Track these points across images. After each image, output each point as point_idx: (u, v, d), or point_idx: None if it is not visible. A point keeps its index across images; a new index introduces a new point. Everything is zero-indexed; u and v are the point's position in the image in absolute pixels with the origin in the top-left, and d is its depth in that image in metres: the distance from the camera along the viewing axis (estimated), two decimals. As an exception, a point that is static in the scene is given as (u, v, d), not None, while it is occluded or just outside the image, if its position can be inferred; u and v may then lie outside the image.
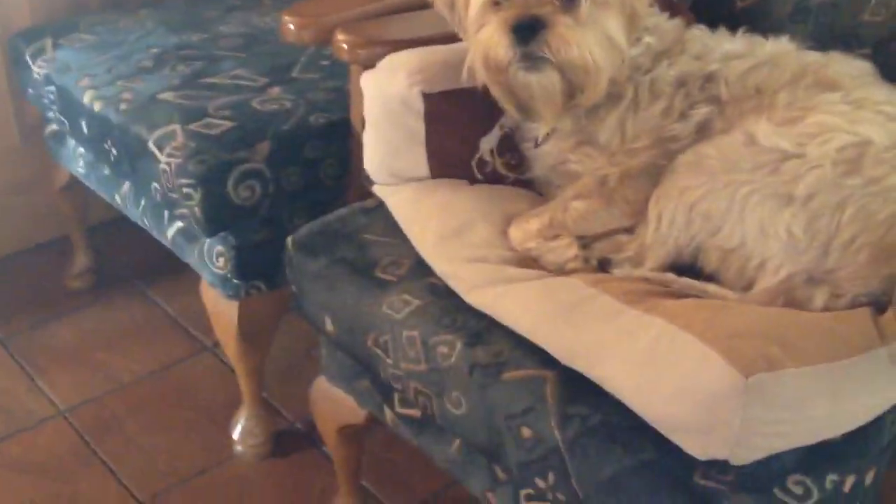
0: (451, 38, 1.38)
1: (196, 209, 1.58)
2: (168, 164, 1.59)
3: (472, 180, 1.43)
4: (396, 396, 1.36)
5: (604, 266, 1.29)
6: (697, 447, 1.04)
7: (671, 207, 1.22)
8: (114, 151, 1.73)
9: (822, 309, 1.13)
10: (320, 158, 1.66)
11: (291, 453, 1.84)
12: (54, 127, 1.98)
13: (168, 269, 2.15)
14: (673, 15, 1.37)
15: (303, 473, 1.80)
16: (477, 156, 1.43)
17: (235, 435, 1.83)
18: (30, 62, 1.91)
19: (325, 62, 1.81)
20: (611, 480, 1.07)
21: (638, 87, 1.30)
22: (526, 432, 1.13)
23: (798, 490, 1.04)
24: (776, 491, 1.04)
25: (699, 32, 1.36)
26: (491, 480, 1.27)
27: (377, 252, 1.36)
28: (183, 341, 2.11)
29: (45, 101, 1.90)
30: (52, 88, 1.86)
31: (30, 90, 1.95)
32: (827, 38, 1.41)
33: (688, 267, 1.24)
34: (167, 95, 1.70)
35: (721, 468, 1.05)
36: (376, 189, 1.46)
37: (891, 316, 1.07)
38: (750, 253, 1.17)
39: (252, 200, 1.60)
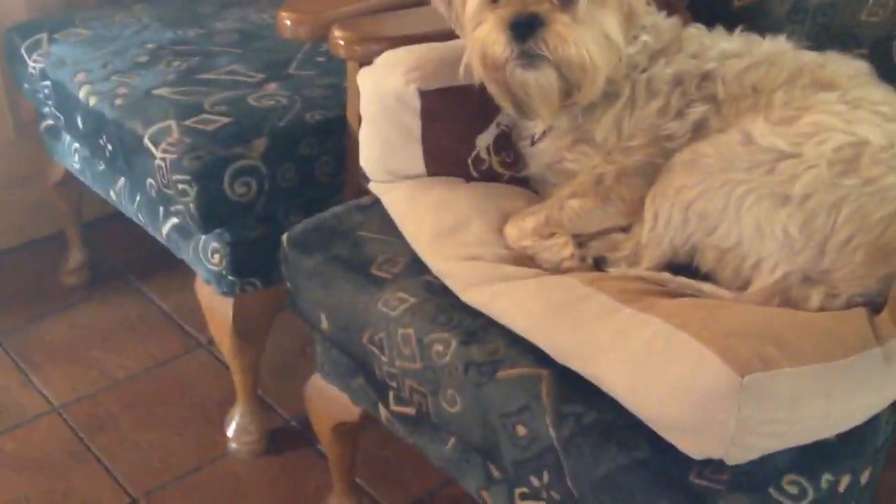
0: (449, 35, 1.38)
1: (191, 205, 1.58)
2: (163, 159, 1.58)
3: (469, 178, 1.43)
4: (391, 394, 1.36)
5: (600, 265, 1.28)
6: (692, 446, 1.04)
7: (667, 206, 1.22)
8: (109, 147, 1.73)
9: (817, 309, 1.13)
10: (316, 155, 1.66)
11: (286, 451, 1.84)
12: (49, 122, 1.98)
13: (163, 265, 2.15)
14: (670, 14, 1.37)
15: (297, 471, 1.80)
16: (473, 153, 1.43)
17: (230, 432, 1.83)
18: (25, 57, 1.91)
19: (321, 59, 1.81)
20: (605, 479, 1.07)
21: (635, 86, 1.30)
22: (521, 431, 1.13)
23: (793, 490, 1.04)
24: (771, 490, 1.04)
25: (696, 31, 1.36)
26: (486, 479, 1.27)
27: (373, 249, 1.36)
28: (177, 338, 2.10)
29: (41, 96, 1.90)
30: (48, 83, 1.85)
31: (25, 85, 1.95)
32: (824, 37, 1.41)
33: (684, 266, 1.24)
34: (163, 91, 1.70)
35: (716, 467, 1.05)
36: (372, 186, 1.46)
37: (886, 316, 1.07)
38: (746, 252, 1.17)
39: (248, 197, 1.60)
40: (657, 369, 1.06)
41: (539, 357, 1.16)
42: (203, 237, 1.66)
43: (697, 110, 1.27)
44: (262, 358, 1.80)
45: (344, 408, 1.49)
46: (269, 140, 1.60)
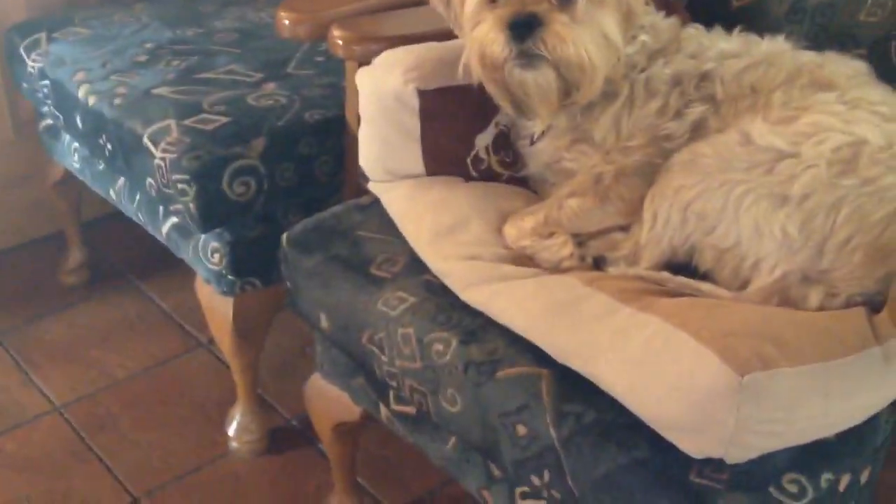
0: (447, 34, 1.38)
1: (191, 205, 1.58)
2: (163, 159, 1.58)
3: (468, 178, 1.43)
4: (391, 394, 1.36)
5: (599, 264, 1.29)
6: (692, 446, 1.04)
7: (666, 206, 1.22)
8: (108, 146, 1.73)
9: (816, 308, 1.13)
10: (315, 155, 1.66)
11: (286, 450, 1.84)
12: (49, 121, 1.98)
13: (162, 264, 2.15)
14: (669, 14, 1.37)
15: (298, 470, 1.80)
16: (472, 153, 1.43)
17: (230, 431, 1.83)
18: (24, 56, 1.91)
19: (320, 58, 1.81)
20: (605, 478, 1.07)
21: (633, 86, 1.30)
22: (521, 430, 1.13)
23: (793, 489, 1.05)
24: (771, 489, 1.04)
25: (695, 31, 1.36)
26: (486, 478, 1.27)
27: (372, 249, 1.36)
28: (177, 337, 2.10)
29: (40, 95, 1.89)
30: (47, 83, 1.85)
31: (24, 84, 1.95)
32: (823, 37, 1.41)
33: (683, 266, 1.24)
34: (162, 90, 1.70)
35: (716, 466, 1.05)
36: (371, 186, 1.46)
37: (885, 315, 1.07)
38: (745, 252, 1.17)
39: (247, 197, 1.60)
40: (656, 369, 1.06)
41: (539, 356, 1.16)
42: (203, 237, 1.66)
43: (696, 110, 1.27)
44: (262, 357, 1.80)
45: (344, 407, 1.49)
46: (268, 140, 1.60)
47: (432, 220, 1.34)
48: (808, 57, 1.30)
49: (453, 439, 1.30)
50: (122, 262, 2.31)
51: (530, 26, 1.20)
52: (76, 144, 1.91)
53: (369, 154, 1.45)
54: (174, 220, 1.71)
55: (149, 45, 1.85)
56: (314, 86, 1.72)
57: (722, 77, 1.28)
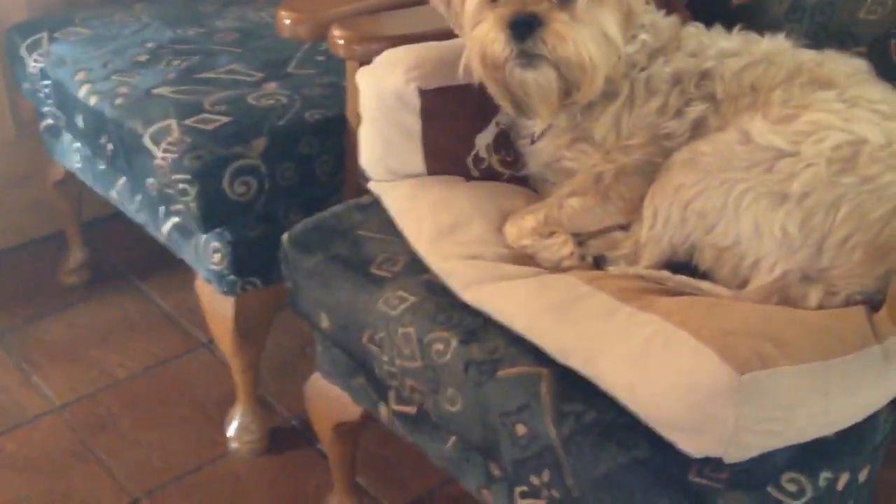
0: (448, 34, 1.38)
1: (192, 205, 1.58)
2: (163, 159, 1.59)
3: (468, 177, 1.43)
4: (391, 393, 1.36)
5: (599, 263, 1.29)
6: (692, 445, 1.04)
7: (666, 205, 1.22)
8: (109, 146, 1.73)
9: (816, 307, 1.13)
10: (316, 154, 1.66)
11: (286, 450, 1.84)
12: (49, 121, 1.98)
13: (163, 264, 2.15)
14: (669, 12, 1.37)
15: (298, 470, 1.80)
16: (473, 152, 1.43)
17: (230, 431, 1.83)
18: (25, 56, 1.91)
19: (320, 58, 1.81)
20: (605, 478, 1.07)
21: (634, 85, 1.30)
22: (521, 429, 1.13)
23: (792, 488, 1.05)
24: (770, 489, 1.04)
25: (695, 30, 1.36)
26: (486, 477, 1.27)
27: (372, 249, 1.36)
28: (178, 337, 2.10)
29: (41, 95, 1.90)
30: (48, 83, 1.85)
31: (25, 84, 1.95)
32: (822, 36, 1.41)
33: (683, 265, 1.24)
34: (163, 90, 1.70)
35: (715, 466, 1.05)
36: (372, 185, 1.46)
37: (885, 314, 1.07)
38: (744, 251, 1.17)
39: (247, 196, 1.60)
40: (656, 368, 1.06)
41: (539, 356, 1.16)
42: (203, 236, 1.66)
43: (696, 109, 1.27)
44: (263, 357, 1.80)
45: (344, 407, 1.49)
46: (268, 139, 1.61)
47: (433, 219, 1.34)
48: (808, 55, 1.30)
49: (453, 439, 1.30)
50: (123, 262, 2.31)
51: (531, 26, 1.20)
52: (77, 144, 1.91)
53: (370, 153, 1.45)
54: (175, 219, 1.71)
55: (149, 45, 1.85)
56: (315, 85, 1.72)
57: (722, 75, 1.28)
